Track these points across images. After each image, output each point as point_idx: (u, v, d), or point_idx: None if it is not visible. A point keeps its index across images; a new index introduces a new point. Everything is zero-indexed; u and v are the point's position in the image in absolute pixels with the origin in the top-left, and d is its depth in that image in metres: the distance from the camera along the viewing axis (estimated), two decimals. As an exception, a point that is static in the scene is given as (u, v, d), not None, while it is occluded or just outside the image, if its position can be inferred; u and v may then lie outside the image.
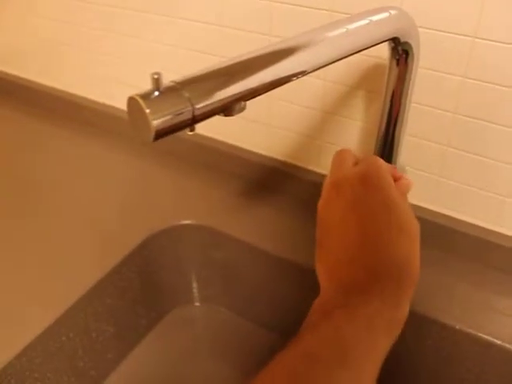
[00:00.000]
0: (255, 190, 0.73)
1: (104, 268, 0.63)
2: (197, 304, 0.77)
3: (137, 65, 0.80)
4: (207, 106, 0.30)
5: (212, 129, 0.77)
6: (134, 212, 0.71)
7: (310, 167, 0.71)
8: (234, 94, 0.32)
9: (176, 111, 0.29)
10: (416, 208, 0.64)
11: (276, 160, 0.72)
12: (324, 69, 0.59)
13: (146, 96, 0.28)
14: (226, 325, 0.75)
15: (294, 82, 0.62)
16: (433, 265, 0.62)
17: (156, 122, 0.28)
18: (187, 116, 0.29)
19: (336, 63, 0.57)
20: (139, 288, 0.69)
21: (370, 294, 0.40)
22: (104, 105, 0.89)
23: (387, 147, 0.56)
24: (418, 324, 0.58)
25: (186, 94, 0.29)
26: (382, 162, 0.46)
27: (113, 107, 0.88)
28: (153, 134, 0.28)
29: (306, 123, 0.67)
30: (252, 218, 0.69)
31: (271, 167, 0.72)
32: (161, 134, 0.28)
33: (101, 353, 0.67)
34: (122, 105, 0.84)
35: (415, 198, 0.64)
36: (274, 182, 0.73)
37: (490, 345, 0.55)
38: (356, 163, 0.48)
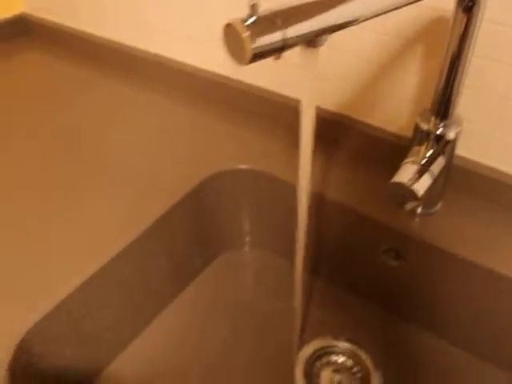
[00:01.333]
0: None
1: (163, 206, 0.66)
2: (247, 249, 0.80)
3: (182, 14, 0.82)
4: (296, 35, 0.32)
5: (267, 79, 0.79)
6: (191, 156, 0.74)
7: (364, 119, 0.72)
8: (319, 28, 0.34)
9: (269, 37, 0.31)
10: (467, 161, 0.65)
11: (330, 112, 0.74)
12: (383, 21, 0.60)
13: (242, 22, 0.30)
14: (276, 270, 0.78)
15: (352, 34, 0.64)
16: (477, 214, 0.64)
17: (252, 46, 0.30)
18: (278, 43, 0.31)
19: (396, 16, 0.59)
20: (194, 229, 0.72)
21: None
22: (152, 54, 0.91)
23: (445, 100, 0.57)
24: (464, 269, 0.60)
25: (279, 23, 0.31)
26: None
27: (163, 57, 0.90)
28: (249, 56, 0.30)
29: (362, 76, 0.68)
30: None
31: (325, 118, 0.74)
32: (255, 57, 0.31)
33: (156, 290, 0.70)
34: (173, 54, 0.87)
35: (468, 150, 0.65)
36: (328, 132, 0.75)
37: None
38: None
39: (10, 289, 0.56)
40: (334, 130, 0.74)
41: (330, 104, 0.74)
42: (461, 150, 0.65)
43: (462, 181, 0.66)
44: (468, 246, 0.60)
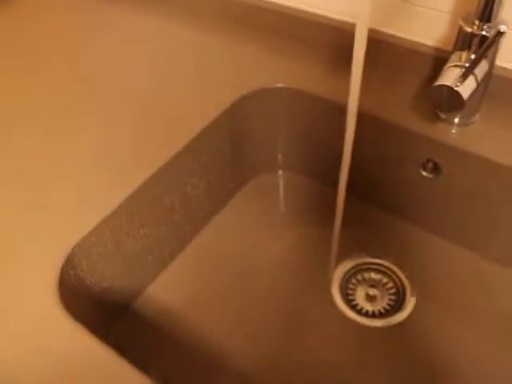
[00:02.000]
0: (344, 57, 0.74)
1: (198, 126, 0.66)
2: (280, 172, 0.80)
3: None
4: None
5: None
6: (223, 78, 0.73)
7: (397, 33, 0.71)
8: None
9: None
10: (507, 71, 0.65)
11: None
12: None
13: None
14: (310, 192, 0.78)
15: None
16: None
17: None
18: None
19: None
20: (229, 150, 0.73)
21: None
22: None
23: (489, 3, 0.55)
24: (506, 177, 0.60)
25: None
26: None
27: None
28: None
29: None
30: (341, 81, 0.70)
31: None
32: None
33: (194, 209, 0.71)
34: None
35: (509, 61, 0.64)
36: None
37: None
38: None
39: (54, 206, 0.57)
40: (369, 45, 0.73)
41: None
42: (500, 62, 0.64)
43: (500, 91, 0.65)
44: (508, 154, 0.60)
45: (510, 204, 0.63)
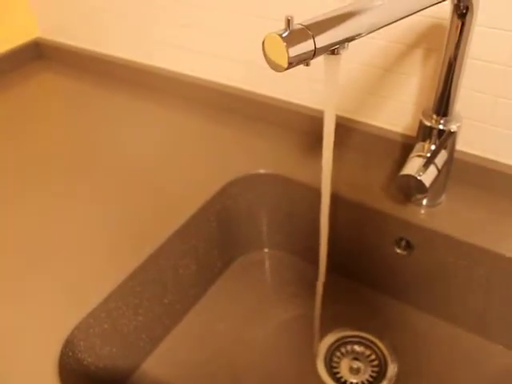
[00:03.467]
0: (318, 143, 0.81)
1: (189, 210, 0.71)
2: (266, 250, 0.85)
3: (191, 29, 0.89)
4: (325, 44, 0.38)
5: (272, 88, 0.85)
6: (209, 165, 0.79)
7: (368, 121, 0.78)
8: (344, 38, 0.39)
9: (304, 46, 0.36)
10: (467, 155, 0.71)
11: (336, 116, 0.79)
12: (385, 29, 0.66)
13: (281, 33, 0.36)
14: (293, 269, 0.83)
15: (356, 42, 0.69)
16: (478, 203, 0.70)
17: (290, 53, 0.36)
18: (311, 51, 0.37)
19: (397, 23, 0.65)
20: (217, 232, 0.77)
21: None
22: (160, 68, 0.97)
23: (445, 98, 0.62)
24: (470, 254, 0.66)
25: (311, 33, 0.37)
26: None
27: (171, 71, 0.96)
28: (286, 63, 0.36)
29: (367, 80, 0.74)
30: (317, 166, 0.76)
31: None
32: (291, 64, 0.36)
33: (185, 288, 0.75)
34: (181, 68, 0.93)
35: (467, 145, 0.71)
36: (335, 134, 0.80)
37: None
38: None
39: (55, 290, 0.61)
40: (341, 132, 0.79)
41: (336, 109, 0.79)
42: (461, 146, 0.71)
43: (462, 173, 0.71)
44: (474, 232, 0.66)
45: (477, 278, 0.68)
